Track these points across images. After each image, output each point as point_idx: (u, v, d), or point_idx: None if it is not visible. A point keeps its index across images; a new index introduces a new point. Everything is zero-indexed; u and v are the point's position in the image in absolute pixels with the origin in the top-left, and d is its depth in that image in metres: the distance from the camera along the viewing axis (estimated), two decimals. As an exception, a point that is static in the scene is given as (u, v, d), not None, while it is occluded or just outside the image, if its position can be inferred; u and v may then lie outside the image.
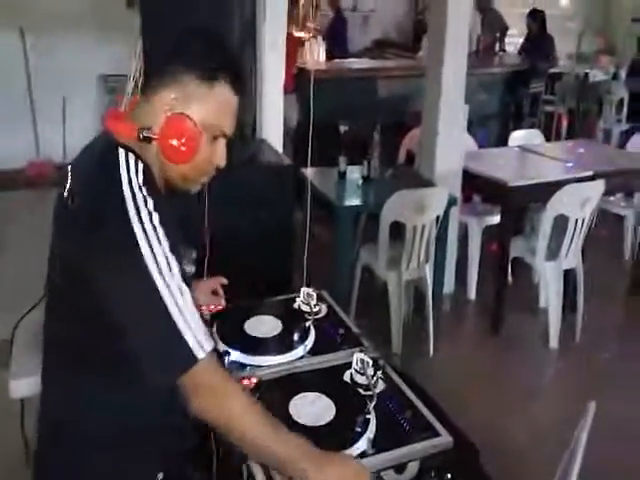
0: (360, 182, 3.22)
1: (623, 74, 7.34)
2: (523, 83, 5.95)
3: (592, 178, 3.46)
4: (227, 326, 1.58)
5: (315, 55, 4.94)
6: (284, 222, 2.30)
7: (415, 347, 3.21)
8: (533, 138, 4.32)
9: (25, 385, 1.81)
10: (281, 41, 2.68)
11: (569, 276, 3.47)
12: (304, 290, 1.71)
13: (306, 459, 1.08)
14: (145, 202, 1.02)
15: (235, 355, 1.48)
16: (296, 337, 1.57)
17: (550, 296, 3.38)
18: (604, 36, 8.77)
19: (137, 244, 0.99)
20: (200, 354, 1.02)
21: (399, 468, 1.25)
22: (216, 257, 1.96)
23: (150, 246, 1.00)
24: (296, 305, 1.69)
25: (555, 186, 3.22)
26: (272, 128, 2.64)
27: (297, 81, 4.20)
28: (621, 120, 6.73)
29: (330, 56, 5.37)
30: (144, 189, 1.03)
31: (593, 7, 8.88)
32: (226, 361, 1.46)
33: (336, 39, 5.84)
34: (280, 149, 2.62)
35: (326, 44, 5.86)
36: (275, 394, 1.36)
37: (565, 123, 6.67)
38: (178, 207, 1.84)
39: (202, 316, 1.08)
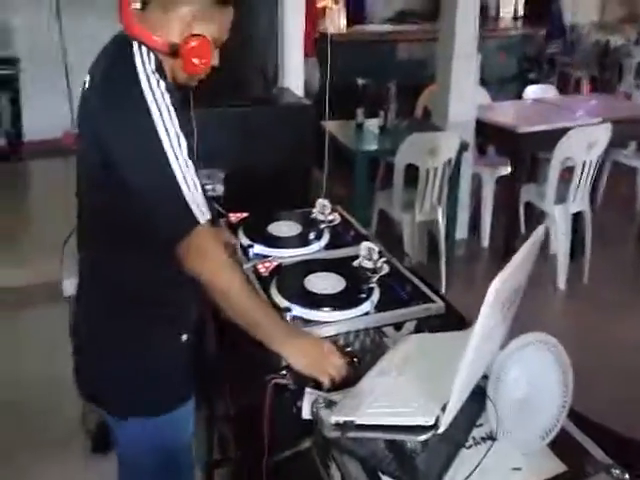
0: (377, 132, 3.44)
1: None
2: (539, 46, 6.06)
3: (601, 124, 3.61)
4: (252, 228, 1.82)
5: (335, 21, 5.13)
6: (303, 160, 2.51)
7: (430, 285, 3.43)
8: (547, 92, 4.47)
9: (74, 284, 2.06)
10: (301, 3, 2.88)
11: (578, 221, 3.65)
12: (320, 201, 1.93)
13: (284, 331, 1.23)
14: (158, 83, 1.15)
15: (258, 249, 1.72)
16: (312, 236, 1.80)
17: (559, 238, 3.56)
18: (628, 3, 8.73)
19: (151, 117, 1.13)
20: (201, 218, 1.16)
21: (398, 326, 1.48)
22: (237, 183, 2.19)
23: (162, 120, 1.13)
24: (313, 215, 1.92)
25: (563, 132, 3.38)
26: (293, 77, 2.86)
27: (318, 46, 4.41)
28: (640, 85, 6.77)
29: (352, 23, 5.55)
30: (157, 74, 1.16)
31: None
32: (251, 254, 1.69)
33: (357, 5, 5.99)
34: (301, 95, 2.84)
35: (347, 12, 6.06)
36: (293, 272, 1.60)
37: (586, 85, 6.74)
38: (206, 131, 2.10)
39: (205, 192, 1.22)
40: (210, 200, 1.28)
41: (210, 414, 1.68)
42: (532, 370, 1.11)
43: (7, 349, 2.92)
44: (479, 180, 3.99)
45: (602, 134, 3.39)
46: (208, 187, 2.02)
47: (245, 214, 1.90)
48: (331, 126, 3.39)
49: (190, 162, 1.16)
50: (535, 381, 1.10)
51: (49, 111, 5.02)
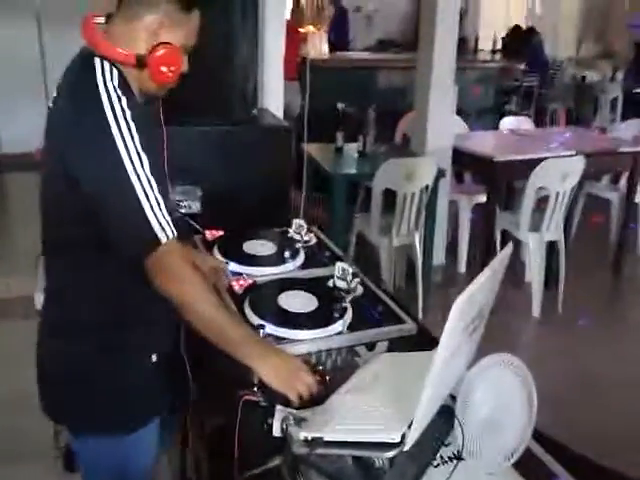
0: (356, 156, 3.48)
1: (620, 76, 7.60)
2: (516, 78, 6.24)
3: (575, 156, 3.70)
4: (227, 245, 1.82)
5: (317, 47, 5.22)
6: (281, 181, 2.52)
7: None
8: (523, 124, 4.57)
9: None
10: (280, 16, 2.94)
11: (553, 253, 3.71)
12: (296, 221, 1.95)
13: (254, 343, 1.21)
14: (119, 99, 1.14)
15: (233, 266, 1.72)
16: (287, 255, 1.81)
17: (533, 266, 3.62)
18: (603, 41, 9.03)
19: (111, 134, 1.12)
20: (163, 238, 1.14)
21: (370, 346, 1.49)
22: (213, 203, 2.19)
23: (122, 137, 1.12)
24: (289, 235, 1.94)
25: (538, 162, 3.45)
26: (273, 99, 2.90)
27: (300, 70, 4.47)
28: (615, 119, 6.97)
29: (334, 49, 5.66)
30: (118, 90, 1.15)
31: (592, 14, 9.13)
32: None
33: (338, 33, 6.14)
34: (280, 117, 2.87)
35: (331, 39, 6.18)
36: (267, 290, 1.60)
37: (563, 117, 6.92)
38: (186, 150, 2.10)
39: (169, 211, 1.19)
40: (181, 218, 1.28)
41: (184, 432, 1.66)
42: (498, 390, 1.12)
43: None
44: (456, 207, 4.05)
45: (575, 166, 3.47)
46: (184, 204, 2.02)
47: (221, 232, 1.91)
48: (311, 149, 3.43)
49: (153, 179, 1.15)
50: (501, 401, 1.11)
51: (26, 125, 5.00)
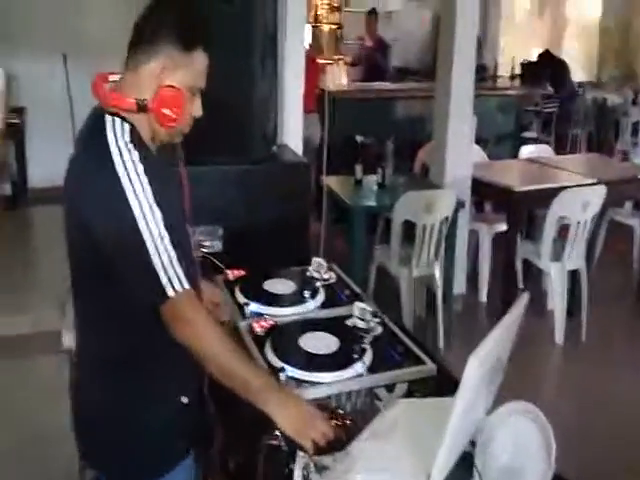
0: (375, 188, 3.52)
1: (641, 99, 7.56)
2: (536, 104, 6.24)
3: (596, 185, 3.68)
4: (248, 285, 1.86)
5: (336, 79, 5.29)
6: (301, 217, 2.56)
7: (425, 343, 3.43)
8: (543, 152, 4.57)
9: (73, 337, 2.08)
10: (299, 53, 3.01)
11: (575, 281, 3.68)
12: (315, 260, 1.97)
13: (271, 390, 1.20)
14: (130, 154, 1.17)
15: (254, 307, 1.75)
16: (307, 294, 1.83)
17: (555, 295, 3.59)
18: (623, 64, 9.01)
19: (123, 190, 1.15)
20: (170, 292, 1.16)
21: (390, 388, 1.50)
22: (235, 241, 2.23)
23: (134, 192, 1.15)
24: (308, 273, 1.96)
25: (558, 191, 3.46)
26: (292, 135, 2.95)
27: (319, 102, 4.54)
28: (638, 143, 6.91)
29: (369, 79, 5.75)
30: (130, 145, 1.18)
31: (612, 36, 9.12)
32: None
33: (375, 66, 6.25)
34: (300, 153, 2.92)
35: (364, 70, 6.33)
36: (287, 332, 1.62)
37: (584, 143, 6.90)
38: (208, 190, 2.15)
39: (184, 260, 1.21)
40: (204, 258, 1.30)
41: (206, 473, 1.68)
42: (517, 438, 1.13)
43: (8, 397, 2.91)
44: (476, 235, 4.05)
45: (596, 195, 3.46)
46: (207, 243, 2.07)
47: (242, 271, 1.94)
48: (330, 181, 3.47)
49: (165, 233, 1.17)
50: (519, 449, 1.12)
51: (54, 159, 5.15)
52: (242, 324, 1.65)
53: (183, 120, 1.29)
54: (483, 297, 4.04)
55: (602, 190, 3.50)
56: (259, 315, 1.71)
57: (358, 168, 3.53)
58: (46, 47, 5.01)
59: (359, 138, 3.70)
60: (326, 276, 1.93)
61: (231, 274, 1.93)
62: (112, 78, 1.32)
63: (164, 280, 1.16)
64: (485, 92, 5.39)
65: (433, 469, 0.98)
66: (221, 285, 1.90)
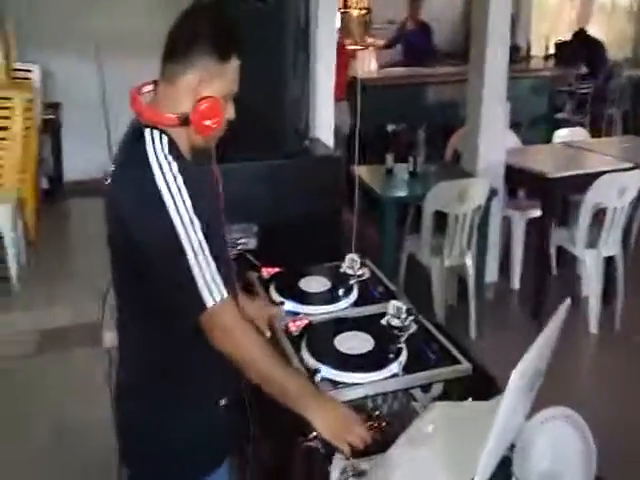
0: (406, 177, 3.49)
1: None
2: (569, 85, 6.10)
3: (633, 169, 3.59)
4: (283, 283, 1.87)
5: (366, 65, 5.24)
6: (333, 210, 2.56)
7: (457, 332, 3.41)
8: (577, 135, 4.48)
9: (113, 337, 2.12)
10: (331, 49, 3.00)
11: (611, 265, 3.62)
12: (349, 256, 1.98)
13: (309, 395, 1.24)
14: (170, 166, 1.19)
15: (289, 305, 1.77)
16: (341, 292, 1.84)
17: (590, 283, 3.54)
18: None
19: (163, 202, 1.17)
20: (209, 302, 1.19)
21: (425, 388, 1.51)
22: (269, 236, 2.25)
23: (175, 203, 1.18)
24: (342, 270, 1.97)
25: (594, 177, 3.38)
26: (324, 128, 2.95)
27: (349, 90, 4.51)
28: (676, 121, 6.73)
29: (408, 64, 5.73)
30: (169, 157, 1.20)
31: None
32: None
33: (417, 49, 6.22)
34: (331, 146, 2.92)
35: (403, 53, 6.29)
36: (322, 331, 1.64)
37: (619, 124, 6.73)
38: (241, 187, 2.17)
39: (222, 269, 1.23)
40: (240, 255, 1.32)
41: (244, 474, 1.72)
42: (555, 444, 1.13)
43: (47, 389, 3.00)
44: (509, 222, 4.00)
45: (633, 180, 3.38)
46: (242, 241, 2.09)
47: (277, 269, 1.96)
48: (361, 171, 3.45)
49: (204, 242, 1.20)
50: (558, 455, 1.12)
51: (88, 153, 5.25)
52: (278, 323, 1.68)
53: (221, 127, 1.31)
54: (516, 284, 4.00)
55: (638, 175, 3.42)
56: (294, 314, 1.74)
57: (389, 157, 3.51)
58: (80, 43, 5.07)
59: (390, 127, 3.66)
60: (359, 272, 1.94)
61: (266, 272, 1.95)
62: (146, 89, 1.34)
63: (203, 291, 1.19)
64: (518, 74, 5.27)
65: (476, 475, 0.99)
66: (256, 283, 1.93)
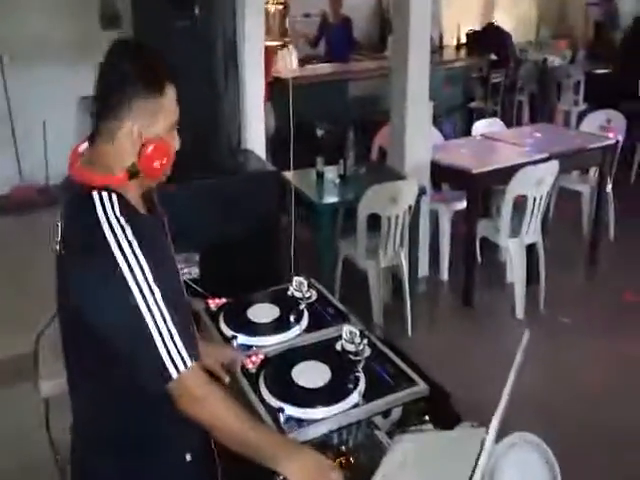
0: (337, 181, 3.51)
1: (581, 57, 7.74)
2: (480, 70, 6.31)
3: (548, 159, 3.78)
4: (232, 315, 1.85)
5: (287, 63, 5.20)
6: (271, 225, 2.56)
7: (395, 329, 3.49)
8: (494, 126, 4.65)
9: (51, 386, 1.99)
10: (260, 57, 2.95)
11: (532, 251, 3.81)
12: (296, 279, 1.97)
13: (278, 448, 1.22)
14: (123, 230, 1.14)
15: (242, 339, 1.75)
16: (292, 319, 1.84)
17: (515, 270, 3.72)
18: (561, 22, 9.16)
19: (121, 274, 1.12)
20: (174, 373, 1.15)
21: (385, 414, 1.55)
22: (211, 260, 2.21)
23: (133, 274, 1.13)
24: (290, 292, 1.97)
25: (514, 170, 3.55)
26: (256, 138, 2.91)
27: (272, 89, 4.46)
28: (578, 102, 7.10)
29: (303, 63, 5.67)
30: (121, 219, 1.15)
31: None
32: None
33: (341, 44, 6.23)
34: (264, 157, 2.89)
35: (326, 49, 6.28)
36: (279, 366, 1.63)
37: (527, 109, 7.04)
38: (178, 213, 2.11)
39: (185, 333, 1.20)
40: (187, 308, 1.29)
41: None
42: (523, 469, 1.19)
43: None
44: (435, 215, 4.12)
45: (549, 172, 3.56)
46: (185, 271, 2.04)
47: (223, 299, 1.93)
48: (291, 176, 3.44)
49: (166, 310, 1.15)
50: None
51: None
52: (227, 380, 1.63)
53: (171, 162, 1.27)
54: (444, 276, 4.13)
55: (555, 166, 3.60)
56: (247, 347, 1.72)
57: (319, 161, 3.51)
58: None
59: (320, 132, 3.66)
60: (308, 295, 1.94)
61: (213, 303, 1.92)
62: (82, 148, 1.27)
63: (167, 362, 1.16)
64: (433, 67, 5.38)
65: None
66: (202, 314, 1.90)
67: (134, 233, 1.15)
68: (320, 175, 3.53)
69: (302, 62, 6.09)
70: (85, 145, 1.28)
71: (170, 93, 1.23)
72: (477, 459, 1.09)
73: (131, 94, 1.18)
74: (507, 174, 3.57)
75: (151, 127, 1.21)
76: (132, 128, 1.19)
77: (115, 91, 1.19)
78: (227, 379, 1.58)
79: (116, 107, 1.18)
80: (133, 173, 1.22)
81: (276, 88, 4.44)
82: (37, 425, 2.00)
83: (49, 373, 1.96)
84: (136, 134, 1.20)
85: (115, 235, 1.14)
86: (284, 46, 5.40)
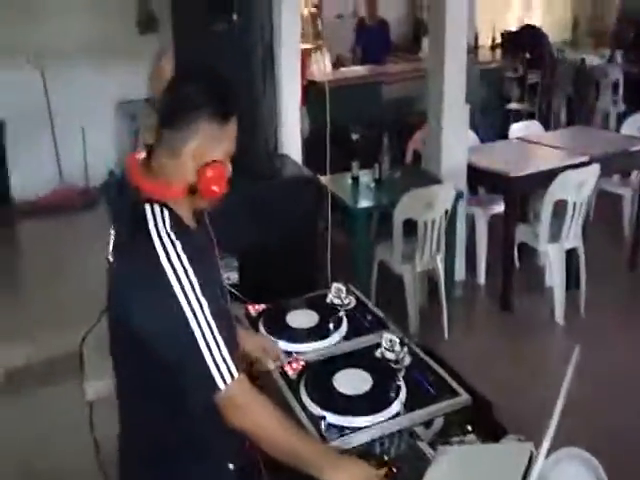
0: (372, 185, 3.50)
1: (619, 57, 7.56)
2: (515, 70, 6.22)
3: (588, 162, 3.70)
4: (272, 321, 1.85)
5: (321, 66, 5.20)
6: (308, 230, 2.56)
7: (431, 333, 3.46)
8: (531, 128, 4.57)
9: (97, 389, 2.02)
10: (296, 61, 2.96)
11: (572, 255, 3.73)
12: (335, 285, 1.97)
13: (323, 457, 1.24)
14: (173, 246, 1.17)
15: (282, 345, 1.75)
16: (331, 326, 1.83)
17: (554, 275, 3.65)
18: (597, 20, 8.97)
19: (170, 287, 1.15)
20: (221, 384, 1.17)
21: (427, 424, 1.53)
22: (249, 265, 2.21)
23: (182, 287, 1.16)
24: (329, 299, 1.96)
25: (553, 173, 3.48)
26: (292, 143, 2.92)
27: (305, 94, 4.46)
28: (617, 102, 6.94)
29: (338, 66, 5.67)
30: (172, 234, 1.18)
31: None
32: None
33: (378, 46, 6.22)
34: (300, 161, 2.89)
35: (363, 52, 6.30)
36: (320, 373, 1.63)
37: (564, 110, 6.91)
38: (219, 222, 2.13)
39: (230, 345, 1.22)
40: (232, 322, 1.31)
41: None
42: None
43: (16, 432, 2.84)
44: (472, 219, 4.07)
45: (590, 175, 3.49)
46: (224, 276, 2.05)
47: (263, 305, 1.94)
48: (327, 180, 3.43)
49: (213, 322, 1.18)
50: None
51: (37, 170, 5.05)
52: (273, 367, 1.65)
53: (226, 188, 1.29)
54: (482, 279, 4.08)
55: (596, 170, 3.53)
56: (287, 353, 1.72)
57: (354, 165, 3.50)
58: (21, 58, 4.84)
59: (354, 135, 3.65)
60: (346, 301, 1.93)
61: (253, 309, 1.92)
62: (139, 156, 1.30)
63: (215, 373, 1.18)
64: (468, 67, 5.33)
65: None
66: (243, 319, 1.90)
67: (183, 248, 1.18)
68: (355, 179, 3.52)
69: (335, 65, 6.09)
70: (143, 154, 1.30)
71: (233, 123, 1.27)
72: (525, 475, 1.07)
73: (200, 117, 1.22)
74: (546, 178, 3.50)
75: (213, 151, 1.24)
76: (195, 147, 1.23)
77: (185, 110, 1.23)
78: (272, 365, 1.62)
79: (183, 124, 1.22)
80: (192, 191, 1.25)
81: (310, 92, 4.44)
82: (81, 426, 2.03)
83: (94, 376, 1.99)
84: (198, 154, 1.23)
85: (166, 250, 1.17)
86: (317, 49, 5.41)
